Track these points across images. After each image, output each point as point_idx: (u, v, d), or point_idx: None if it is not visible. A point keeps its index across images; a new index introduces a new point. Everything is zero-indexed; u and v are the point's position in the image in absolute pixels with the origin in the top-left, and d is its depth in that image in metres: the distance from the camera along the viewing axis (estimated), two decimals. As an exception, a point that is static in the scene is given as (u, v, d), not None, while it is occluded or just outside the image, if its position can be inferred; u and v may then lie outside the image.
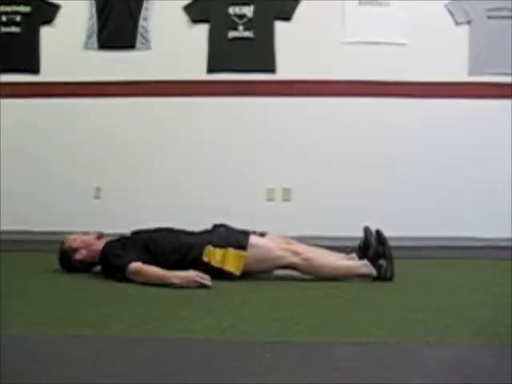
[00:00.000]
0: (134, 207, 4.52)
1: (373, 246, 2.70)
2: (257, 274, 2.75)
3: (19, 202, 4.56)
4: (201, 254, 2.64)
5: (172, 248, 2.67)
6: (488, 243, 4.26)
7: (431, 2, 4.49)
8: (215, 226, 2.87)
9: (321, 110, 4.56)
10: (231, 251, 2.65)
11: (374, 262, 2.68)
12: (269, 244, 2.73)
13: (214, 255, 2.64)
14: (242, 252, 2.65)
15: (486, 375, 1.33)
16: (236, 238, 2.70)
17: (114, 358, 1.45)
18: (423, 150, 4.50)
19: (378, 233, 2.74)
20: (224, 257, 2.64)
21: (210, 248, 2.65)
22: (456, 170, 4.47)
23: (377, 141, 4.52)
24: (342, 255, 2.86)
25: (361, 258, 2.74)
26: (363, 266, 2.68)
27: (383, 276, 2.67)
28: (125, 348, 1.55)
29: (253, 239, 2.71)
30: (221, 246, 2.66)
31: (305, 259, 2.67)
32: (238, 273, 2.65)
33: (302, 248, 2.77)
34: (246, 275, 2.69)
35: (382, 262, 2.68)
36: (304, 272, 2.71)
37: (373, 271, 2.67)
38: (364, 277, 2.68)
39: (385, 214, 4.36)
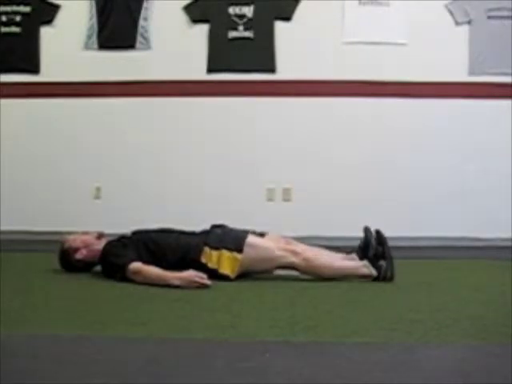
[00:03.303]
0: (135, 207, 4.52)
1: (372, 247, 2.69)
2: (257, 274, 2.75)
3: (19, 202, 4.56)
4: (198, 256, 2.64)
5: (171, 248, 2.67)
6: (488, 243, 4.26)
7: (431, 1, 4.49)
8: (213, 227, 2.87)
9: (321, 110, 4.56)
10: (226, 253, 2.64)
11: (373, 262, 2.68)
12: (267, 244, 2.72)
13: (210, 257, 2.64)
14: (236, 254, 2.64)
15: (485, 375, 1.33)
16: (232, 240, 2.68)
17: (114, 358, 1.45)
18: (423, 150, 4.50)
19: (378, 233, 2.73)
20: (219, 259, 2.64)
21: (206, 250, 2.65)
22: (456, 169, 4.47)
23: (377, 141, 4.52)
24: (342, 255, 2.86)
25: (361, 258, 2.75)
26: (363, 266, 2.68)
27: (383, 277, 2.66)
28: (125, 348, 1.55)
29: (251, 239, 2.70)
30: (216, 248, 2.66)
31: (304, 259, 2.66)
32: (233, 276, 2.64)
33: (301, 248, 2.76)
34: (246, 275, 2.70)
35: (381, 262, 2.67)
36: (303, 272, 2.70)
37: (373, 272, 2.66)
38: (364, 277, 2.68)
39: (385, 214, 4.36)
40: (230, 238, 2.70)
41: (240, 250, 2.64)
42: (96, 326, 1.79)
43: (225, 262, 2.63)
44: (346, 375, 1.32)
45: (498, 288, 2.53)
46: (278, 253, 2.67)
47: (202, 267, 2.58)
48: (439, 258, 3.68)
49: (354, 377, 1.31)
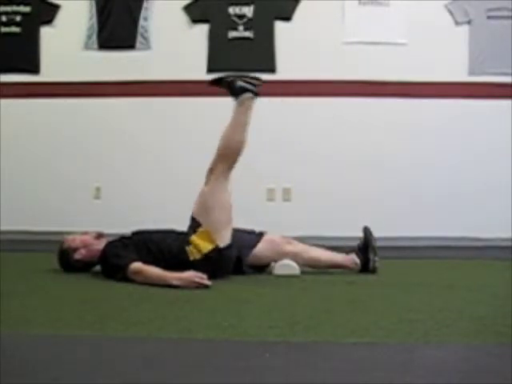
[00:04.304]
0: (134, 207, 4.52)
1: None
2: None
3: (19, 202, 4.56)
4: (187, 257, 2.65)
5: (170, 249, 2.67)
6: (488, 243, 4.26)
7: (431, 1, 4.50)
8: None
9: (321, 109, 4.56)
10: (193, 237, 2.67)
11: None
12: (200, 192, 2.87)
13: (191, 252, 2.65)
14: (200, 229, 2.68)
15: (485, 375, 1.33)
16: (190, 225, 2.74)
17: (114, 358, 1.45)
18: (423, 150, 4.50)
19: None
20: (195, 246, 2.65)
21: (187, 248, 2.66)
22: (456, 169, 4.48)
23: (377, 141, 4.53)
24: (342, 255, 2.88)
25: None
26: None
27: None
28: (125, 348, 1.55)
29: (193, 208, 2.78)
30: (187, 242, 2.68)
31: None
32: (215, 243, 2.64)
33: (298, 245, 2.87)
34: (246, 276, 2.70)
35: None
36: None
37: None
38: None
39: (385, 214, 4.36)
40: (189, 226, 2.75)
41: (198, 224, 2.69)
42: (96, 325, 1.78)
43: (199, 243, 2.65)
44: (346, 375, 1.32)
45: (498, 288, 2.53)
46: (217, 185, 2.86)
47: (194, 265, 2.57)
48: (439, 258, 3.68)
49: (354, 377, 1.31)
